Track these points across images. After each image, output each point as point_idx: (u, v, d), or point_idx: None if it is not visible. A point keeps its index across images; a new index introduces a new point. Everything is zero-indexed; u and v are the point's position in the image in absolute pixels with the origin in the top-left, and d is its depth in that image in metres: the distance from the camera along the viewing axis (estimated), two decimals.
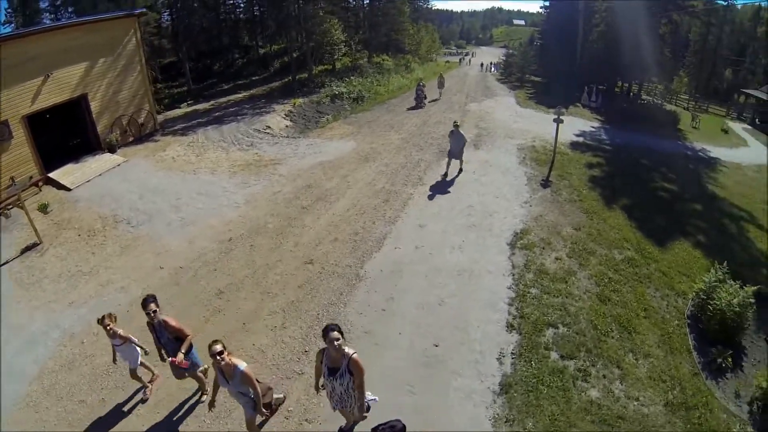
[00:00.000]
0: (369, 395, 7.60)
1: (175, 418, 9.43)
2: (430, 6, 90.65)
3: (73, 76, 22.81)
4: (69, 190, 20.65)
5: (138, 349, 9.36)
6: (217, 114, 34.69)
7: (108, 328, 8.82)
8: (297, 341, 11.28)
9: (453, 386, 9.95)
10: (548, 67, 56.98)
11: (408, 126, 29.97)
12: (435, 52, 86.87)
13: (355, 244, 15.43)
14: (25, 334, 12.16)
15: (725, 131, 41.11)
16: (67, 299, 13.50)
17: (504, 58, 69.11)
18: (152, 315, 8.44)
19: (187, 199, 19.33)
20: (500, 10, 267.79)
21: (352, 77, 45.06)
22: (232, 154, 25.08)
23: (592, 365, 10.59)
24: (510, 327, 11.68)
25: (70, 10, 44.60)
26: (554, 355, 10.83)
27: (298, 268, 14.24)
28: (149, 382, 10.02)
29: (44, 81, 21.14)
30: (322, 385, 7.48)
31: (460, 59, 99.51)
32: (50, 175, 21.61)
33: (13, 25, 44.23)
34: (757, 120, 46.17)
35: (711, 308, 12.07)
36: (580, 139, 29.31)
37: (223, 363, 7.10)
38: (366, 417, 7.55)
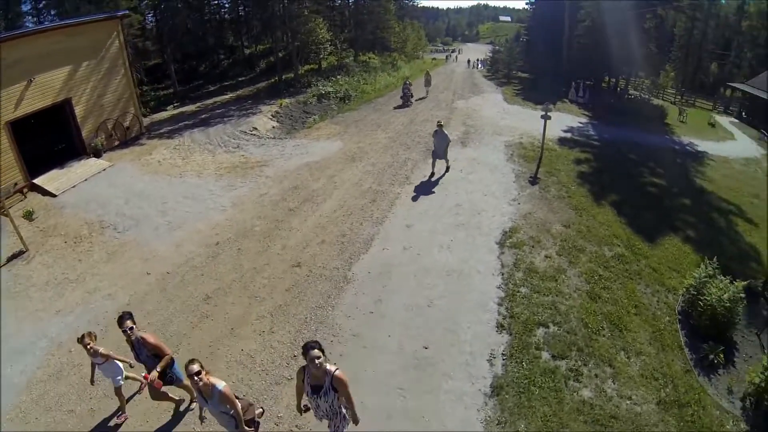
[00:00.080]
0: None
1: (164, 427, 9.30)
2: (415, 3, 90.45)
3: (57, 80, 22.55)
4: (54, 196, 20.38)
5: (120, 365, 9.13)
6: (203, 116, 34.47)
7: (88, 347, 8.58)
8: (285, 346, 11.17)
9: (444, 389, 9.87)
10: (535, 63, 57.10)
11: (395, 125, 29.86)
12: (421, 49, 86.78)
13: (342, 246, 15.32)
14: (13, 344, 11.96)
15: (712, 125, 41.30)
16: (54, 307, 13.31)
17: (490, 54, 69.05)
18: (129, 332, 8.29)
19: (174, 203, 19.15)
20: (486, 6, 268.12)
21: (338, 76, 44.92)
22: (219, 156, 24.88)
23: (583, 364, 10.54)
24: (500, 327, 11.61)
25: (52, 13, 44.15)
26: (545, 355, 10.77)
27: (286, 272, 14.12)
28: (138, 392, 9.85)
29: (27, 86, 20.89)
30: (305, 406, 7.39)
31: (446, 56, 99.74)
32: (35, 181, 21.32)
33: None
34: (743, 113, 46.47)
35: (702, 304, 12.07)
36: (568, 135, 29.34)
37: (201, 383, 6.94)
38: (359, 421, 7.42)
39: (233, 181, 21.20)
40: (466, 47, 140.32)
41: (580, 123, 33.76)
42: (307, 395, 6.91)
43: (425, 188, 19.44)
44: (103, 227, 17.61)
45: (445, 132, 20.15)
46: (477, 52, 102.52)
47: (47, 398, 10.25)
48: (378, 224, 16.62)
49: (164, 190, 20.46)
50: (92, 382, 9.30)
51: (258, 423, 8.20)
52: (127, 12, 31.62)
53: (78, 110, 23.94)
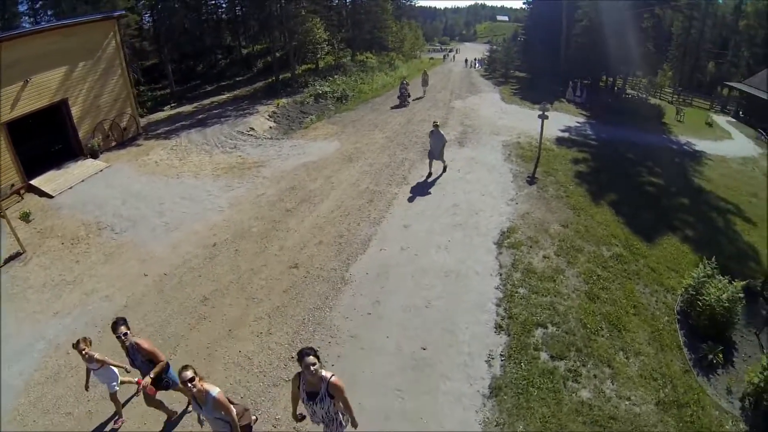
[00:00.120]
0: None
1: (162, 430, 9.27)
2: (413, 3, 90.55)
3: (53, 80, 22.46)
4: (51, 197, 20.32)
5: (116, 371, 9.08)
6: (200, 116, 34.35)
7: (84, 352, 8.56)
8: (283, 347, 11.15)
9: (442, 390, 9.85)
10: (532, 62, 57.00)
11: (392, 125, 29.79)
12: (419, 49, 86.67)
13: (340, 247, 15.29)
14: (11, 346, 11.92)
15: (709, 124, 41.31)
16: (52, 309, 13.28)
17: (488, 54, 69.01)
18: (123, 338, 8.25)
19: (171, 204, 19.11)
20: (483, 6, 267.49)
21: (335, 76, 44.73)
22: (216, 157, 24.82)
23: (582, 365, 10.52)
24: (498, 328, 11.59)
25: (49, 13, 44.08)
26: (544, 356, 10.75)
27: (283, 273, 14.09)
28: (135, 394, 9.81)
29: (23, 86, 20.80)
30: (300, 415, 7.35)
31: (444, 56, 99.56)
32: (32, 182, 21.27)
33: None
34: (740, 112, 46.51)
35: (700, 304, 12.07)
36: (566, 135, 29.28)
37: (194, 390, 6.87)
38: (357, 425, 7.38)
39: (230, 181, 21.15)
40: (463, 47, 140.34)
41: (578, 122, 33.71)
42: (303, 402, 6.86)
43: (423, 188, 19.42)
44: (101, 228, 17.56)
45: (441, 132, 20.09)
46: (474, 51, 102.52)
47: (45, 400, 10.22)
48: (375, 225, 16.59)
49: (161, 191, 20.41)
50: (86, 387, 9.27)
51: (251, 428, 8.14)
52: (124, 12, 31.66)
53: (75, 111, 23.84)
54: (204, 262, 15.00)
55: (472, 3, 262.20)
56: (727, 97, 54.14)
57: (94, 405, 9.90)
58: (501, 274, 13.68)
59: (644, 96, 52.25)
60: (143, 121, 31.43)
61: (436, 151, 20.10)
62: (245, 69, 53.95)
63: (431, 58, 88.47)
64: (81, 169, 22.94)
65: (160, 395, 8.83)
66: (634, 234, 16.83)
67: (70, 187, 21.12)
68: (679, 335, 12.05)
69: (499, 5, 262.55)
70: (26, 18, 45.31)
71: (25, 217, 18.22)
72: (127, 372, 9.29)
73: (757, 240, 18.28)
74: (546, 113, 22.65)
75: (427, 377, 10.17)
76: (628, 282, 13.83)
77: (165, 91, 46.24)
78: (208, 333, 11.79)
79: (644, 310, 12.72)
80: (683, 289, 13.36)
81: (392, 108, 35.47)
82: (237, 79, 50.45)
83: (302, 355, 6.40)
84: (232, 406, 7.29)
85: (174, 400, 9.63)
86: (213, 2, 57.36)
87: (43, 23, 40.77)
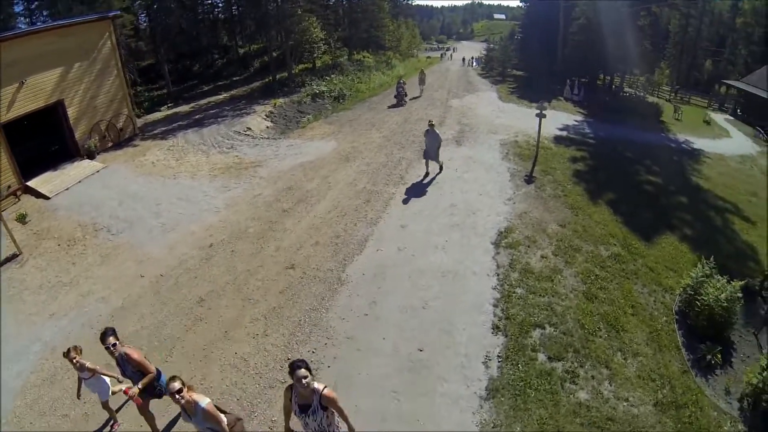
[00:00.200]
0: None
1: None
2: (410, 2, 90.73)
3: (49, 81, 22.40)
4: (48, 198, 20.27)
5: (107, 380, 8.97)
6: (197, 116, 34.31)
7: (74, 361, 8.44)
8: (279, 349, 11.09)
9: (439, 392, 9.79)
10: (529, 61, 57.12)
11: (389, 124, 29.74)
12: (416, 47, 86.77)
13: (336, 247, 15.23)
14: (7, 348, 11.84)
15: (707, 122, 41.42)
16: (48, 311, 13.22)
17: (485, 52, 68.91)
18: (112, 349, 8.16)
19: (168, 205, 19.06)
20: (480, 4, 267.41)
21: (332, 75, 44.71)
22: (213, 157, 24.77)
23: (580, 366, 10.47)
24: (496, 329, 11.53)
25: (45, 14, 43.94)
26: (541, 357, 10.70)
27: (280, 274, 14.03)
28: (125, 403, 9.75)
29: (19, 88, 20.76)
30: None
31: (441, 54, 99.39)
32: (28, 183, 21.21)
33: None
34: (738, 110, 46.55)
35: (699, 304, 12.02)
36: (564, 133, 29.26)
37: (183, 401, 6.74)
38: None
39: (227, 182, 21.11)
40: (460, 45, 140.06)
41: (576, 121, 33.71)
42: (296, 414, 6.77)
43: (420, 188, 19.37)
44: (97, 230, 17.51)
45: (437, 132, 20.04)
46: (472, 50, 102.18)
47: (41, 403, 10.18)
48: (372, 225, 16.54)
49: (158, 192, 20.36)
50: (78, 396, 9.14)
51: None
52: (119, 12, 31.63)
53: (71, 112, 23.78)
54: (200, 263, 14.95)
55: (469, 1, 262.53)
56: (724, 95, 54.27)
57: (91, 407, 9.81)
58: (498, 275, 13.63)
59: (642, 94, 52.31)
60: (140, 122, 31.44)
61: (431, 151, 20.04)
62: (242, 69, 53.91)
63: (428, 57, 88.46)
64: (77, 170, 22.87)
65: (155, 403, 8.78)
66: (632, 233, 16.80)
67: (67, 189, 21.06)
68: (678, 335, 12.01)
69: (496, 4, 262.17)
70: (22, 19, 45.16)
71: (22, 219, 18.16)
72: (119, 381, 9.16)
73: (756, 239, 18.27)
74: (544, 112, 22.64)
75: (423, 379, 10.11)
76: (627, 282, 13.79)
77: (162, 91, 46.25)
78: (204, 334, 11.73)
79: (642, 310, 12.68)
80: (681, 289, 13.28)
81: (389, 107, 35.48)
82: (234, 78, 50.43)
83: (293, 368, 6.30)
84: (223, 416, 7.18)
85: (173, 409, 9.57)
86: (209, 2, 57.39)
87: (38, 24, 40.65)
